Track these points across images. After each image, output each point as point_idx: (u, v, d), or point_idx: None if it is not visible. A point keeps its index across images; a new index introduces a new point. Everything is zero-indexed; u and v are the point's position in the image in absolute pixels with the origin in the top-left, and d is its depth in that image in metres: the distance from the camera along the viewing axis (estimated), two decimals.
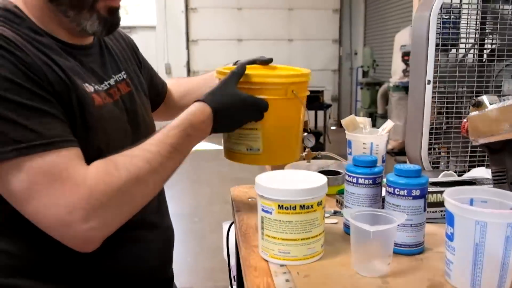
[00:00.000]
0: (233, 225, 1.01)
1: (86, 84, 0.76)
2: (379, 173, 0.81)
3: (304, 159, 1.13)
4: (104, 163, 0.69)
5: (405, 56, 4.81)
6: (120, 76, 0.89)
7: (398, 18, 6.38)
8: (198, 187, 4.39)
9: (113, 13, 0.79)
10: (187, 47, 7.43)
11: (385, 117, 5.48)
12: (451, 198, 0.63)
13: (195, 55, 7.52)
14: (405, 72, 4.98)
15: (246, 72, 0.84)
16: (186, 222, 3.43)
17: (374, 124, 0.70)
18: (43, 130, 0.65)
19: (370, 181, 0.80)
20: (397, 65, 5.13)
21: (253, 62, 0.97)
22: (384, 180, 0.77)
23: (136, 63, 1.01)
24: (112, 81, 0.85)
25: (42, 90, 0.67)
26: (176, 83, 1.18)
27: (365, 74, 6.54)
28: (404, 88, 5.10)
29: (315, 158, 1.15)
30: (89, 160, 0.70)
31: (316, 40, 7.78)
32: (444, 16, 1.01)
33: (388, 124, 1.12)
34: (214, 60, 7.67)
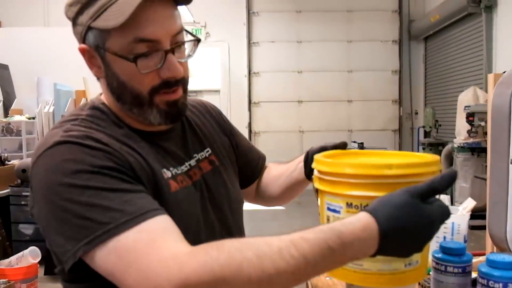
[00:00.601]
0: None
1: (164, 170, 0.78)
2: (468, 262, 0.77)
3: None
4: (207, 244, 0.61)
5: (470, 117, 4.67)
6: (203, 154, 0.89)
7: (460, 79, 6.27)
8: None
9: (173, 105, 0.78)
10: (249, 109, 7.67)
11: None
12: None
13: (256, 116, 7.73)
14: (470, 132, 4.81)
15: (388, 162, 0.62)
16: None
17: None
18: (126, 207, 0.64)
19: (460, 270, 0.77)
20: (461, 126, 4.98)
21: (325, 148, 0.87)
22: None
23: (226, 134, 1.00)
24: (193, 162, 0.86)
25: (123, 174, 0.69)
26: (271, 167, 1.10)
27: (427, 134, 6.38)
28: (469, 149, 4.92)
29: None
30: None
31: (376, 100, 7.76)
32: None
33: (470, 202, 1.08)
34: (275, 121, 7.86)
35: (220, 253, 0.57)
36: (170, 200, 0.75)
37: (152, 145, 0.80)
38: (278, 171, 1.05)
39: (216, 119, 1.00)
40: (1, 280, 2.34)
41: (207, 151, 0.91)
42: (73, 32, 0.79)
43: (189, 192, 0.82)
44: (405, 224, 0.57)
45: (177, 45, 0.76)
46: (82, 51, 0.78)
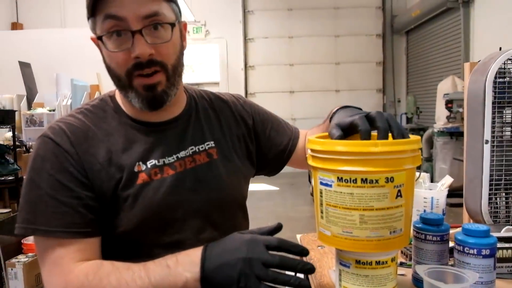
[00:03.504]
0: None
1: (140, 163, 0.78)
2: (446, 231, 0.79)
3: None
4: (93, 265, 0.71)
5: (449, 103, 4.70)
6: (202, 147, 0.86)
7: (439, 69, 6.27)
8: (256, 225, 4.38)
9: (149, 90, 0.76)
10: None
11: (430, 160, 5.29)
12: None
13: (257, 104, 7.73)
14: (449, 118, 4.83)
15: (374, 141, 0.62)
16: None
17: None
18: (52, 220, 0.72)
19: (438, 238, 0.78)
20: (441, 112, 5.00)
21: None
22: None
23: (247, 125, 0.95)
24: (183, 153, 0.83)
25: (74, 178, 0.74)
26: (310, 132, 1.02)
27: (409, 120, 6.40)
28: (448, 133, 4.95)
29: None
30: (128, 232, 0.76)
31: (361, 90, 7.76)
32: (499, 79, 1.00)
33: (447, 179, 1.10)
34: (270, 110, 7.83)
35: (94, 277, 0.69)
36: (134, 191, 0.76)
37: (145, 135, 0.81)
38: (316, 131, 0.97)
39: (235, 111, 0.95)
40: (29, 254, 2.36)
41: (207, 144, 0.87)
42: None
43: (165, 183, 0.79)
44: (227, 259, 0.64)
45: (148, 26, 0.73)
46: (93, 41, 0.79)
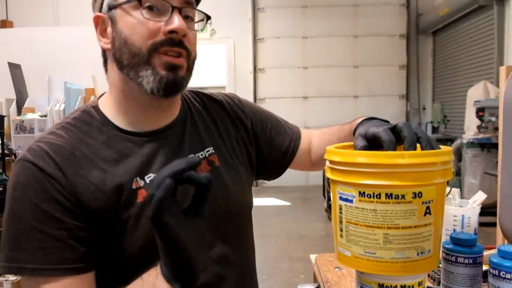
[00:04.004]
0: None
1: (137, 178, 0.77)
2: (479, 253, 0.78)
3: None
4: None
5: (480, 112, 4.67)
6: (202, 154, 0.86)
7: (469, 73, 6.25)
8: (265, 243, 4.37)
9: (171, 70, 0.76)
10: None
11: (458, 174, 5.25)
12: None
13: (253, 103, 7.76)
14: (480, 128, 4.80)
15: (401, 152, 0.62)
16: None
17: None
18: (39, 256, 0.69)
19: (471, 261, 0.78)
20: (471, 121, 4.97)
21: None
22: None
23: (244, 126, 0.96)
24: None
25: (61, 207, 0.71)
26: (320, 134, 1.04)
27: (435, 129, 6.37)
28: (479, 144, 4.91)
29: None
30: (135, 256, 0.74)
31: (382, 96, 7.75)
32: None
33: (480, 195, 1.09)
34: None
35: None
36: (135, 211, 0.75)
37: (139, 147, 0.80)
38: (329, 136, 0.99)
39: (231, 112, 0.96)
40: None
41: (207, 151, 0.87)
42: (92, 7, 0.82)
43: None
44: None
45: (187, 8, 0.78)
46: (96, 20, 0.80)
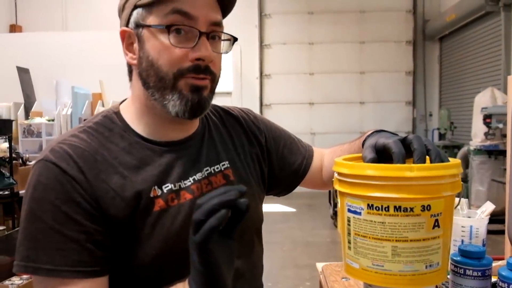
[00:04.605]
0: None
1: (155, 187, 0.77)
2: (488, 265, 0.78)
3: None
4: None
5: (487, 118, 4.65)
6: (217, 167, 0.87)
7: (476, 79, 6.23)
8: (270, 249, 4.36)
9: (196, 92, 0.77)
10: (261, 111, 7.70)
11: (465, 181, 5.21)
12: None
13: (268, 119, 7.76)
14: (487, 135, 4.78)
15: (409, 164, 0.63)
16: None
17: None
18: (56, 257, 0.69)
19: (479, 273, 0.77)
20: (478, 128, 4.95)
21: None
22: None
23: (259, 142, 0.97)
24: (200, 175, 0.83)
25: (82, 210, 0.71)
26: (331, 152, 1.05)
27: (441, 136, 6.34)
28: (486, 151, 4.89)
29: None
30: (145, 265, 0.74)
31: (389, 102, 7.74)
32: None
33: (488, 206, 1.08)
34: (286, 123, 7.74)
35: None
36: (152, 219, 0.76)
37: (158, 156, 0.80)
38: (340, 152, 0.98)
39: (247, 128, 0.97)
40: (24, 276, 2.39)
41: (223, 165, 0.88)
42: (120, 18, 0.82)
43: (182, 209, 0.79)
44: None
45: (214, 33, 0.78)
46: (122, 34, 0.80)
